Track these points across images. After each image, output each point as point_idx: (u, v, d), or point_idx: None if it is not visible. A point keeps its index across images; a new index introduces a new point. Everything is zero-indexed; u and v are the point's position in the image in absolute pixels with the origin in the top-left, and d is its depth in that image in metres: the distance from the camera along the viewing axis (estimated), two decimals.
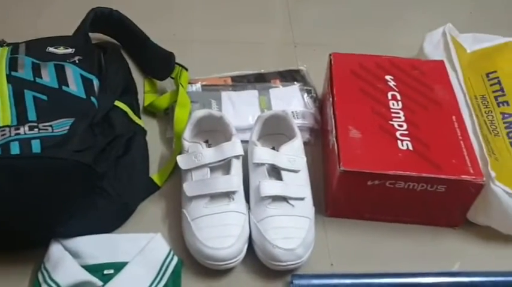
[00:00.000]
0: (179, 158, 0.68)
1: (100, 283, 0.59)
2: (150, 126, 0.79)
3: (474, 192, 0.66)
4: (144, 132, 0.76)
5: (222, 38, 0.99)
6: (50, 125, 0.60)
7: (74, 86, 0.66)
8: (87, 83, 0.67)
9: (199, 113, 0.72)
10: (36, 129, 0.59)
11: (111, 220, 0.66)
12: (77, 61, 0.70)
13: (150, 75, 0.88)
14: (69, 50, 0.74)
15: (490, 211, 0.68)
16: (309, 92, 0.86)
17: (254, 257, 0.65)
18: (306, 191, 0.68)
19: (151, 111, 0.83)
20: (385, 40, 1.01)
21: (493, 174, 0.66)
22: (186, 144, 0.69)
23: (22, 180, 0.55)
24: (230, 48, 0.96)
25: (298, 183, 0.67)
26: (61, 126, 0.61)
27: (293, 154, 0.69)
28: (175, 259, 0.63)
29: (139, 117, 0.78)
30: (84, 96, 0.66)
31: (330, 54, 0.81)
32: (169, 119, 0.80)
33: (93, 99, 0.66)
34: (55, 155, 0.56)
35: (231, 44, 0.97)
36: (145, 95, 0.85)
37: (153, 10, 1.03)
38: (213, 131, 0.74)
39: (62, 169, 0.57)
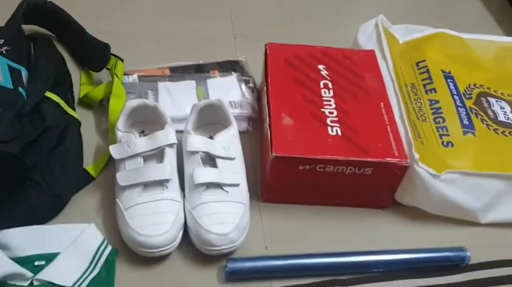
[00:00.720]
0: (112, 148, 0.68)
1: (30, 274, 0.58)
2: (86, 118, 0.79)
3: (399, 174, 0.69)
4: (78, 123, 0.75)
5: (161, 30, 0.99)
6: None
7: (1, 77, 0.65)
8: (14, 74, 0.66)
9: (133, 102, 0.72)
10: None
11: (44, 211, 0.65)
12: (4, 52, 0.69)
13: (86, 66, 0.87)
14: None
15: (416, 192, 0.71)
16: (247, 82, 0.87)
17: (189, 243, 0.65)
18: (241, 178, 0.69)
19: (87, 103, 0.82)
20: (323, 32, 1.03)
21: (416, 156, 0.69)
22: (119, 134, 0.69)
23: None
24: (169, 40, 0.96)
25: (233, 170, 0.68)
26: None
27: (228, 142, 0.70)
28: (109, 248, 0.63)
29: (74, 109, 0.77)
30: (11, 86, 0.64)
31: (266, 45, 0.83)
32: (104, 110, 0.80)
33: (20, 89, 0.65)
34: None
35: (170, 36, 0.97)
36: (81, 87, 0.84)
37: (88, 1, 1.01)
38: (149, 121, 0.74)
39: None
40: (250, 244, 0.67)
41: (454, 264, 0.68)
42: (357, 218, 0.73)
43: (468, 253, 0.67)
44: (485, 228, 0.73)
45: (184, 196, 0.67)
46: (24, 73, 0.67)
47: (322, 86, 0.77)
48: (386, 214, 0.74)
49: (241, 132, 0.74)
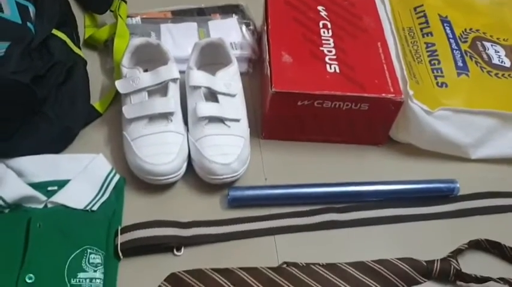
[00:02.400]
0: (118, 83, 0.70)
1: (44, 197, 0.62)
2: (91, 59, 0.81)
3: (394, 109, 0.72)
4: (84, 62, 0.77)
5: None
6: None
7: (9, 11, 0.67)
8: (22, 9, 0.68)
9: (137, 40, 0.74)
10: None
11: (54, 143, 0.68)
12: None
13: (90, 9, 0.88)
14: None
15: (409, 128, 0.74)
16: (247, 24, 0.89)
17: (193, 175, 0.69)
18: (242, 114, 0.72)
19: (91, 44, 0.84)
20: None
21: (411, 92, 0.72)
22: (124, 70, 0.72)
23: None
24: None
25: (234, 106, 0.71)
26: None
27: (229, 79, 0.72)
28: (117, 177, 0.67)
29: (80, 49, 0.79)
30: (19, 21, 0.66)
31: None
32: (109, 50, 0.82)
33: (29, 24, 0.67)
34: None
35: None
36: (85, 29, 0.86)
37: None
38: (152, 60, 0.76)
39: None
40: (250, 176, 0.70)
41: (444, 195, 0.71)
42: (353, 153, 0.76)
43: (458, 185, 0.71)
44: (475, 163, 0.76)
45: (187, 130, 0.70)
46: (31, 9, 0.69)
47: (321, 26, 0.79)
48: (381, 150, 0.77)
49: (241, 74, 0.76)
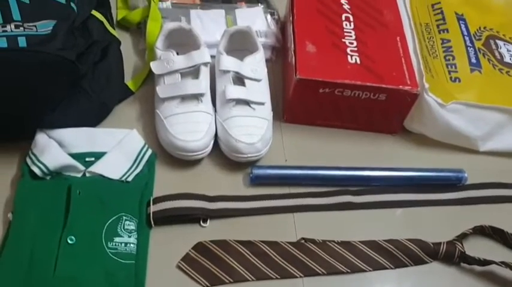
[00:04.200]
0: (153, 64, 0.75)
1: (82, 167, 0.67)
2: (124, 39, 0.85)
3: (410, 101, 0.76)
4: (118, 42, 0.81)
5: None
6: (34, 25, 0.66)
7: None
8: None
9: (170, 25, 0.78)
10: (21, 28, 0.65)
11: (91, 116, 0.73)
12: None
13: None
14: None
15: (423, 119, 0.78)
16: (272, 14, 0.93)
17: (219, 153, 0.74)
18: (266, 98, 0.76)
19: (124, 25, 0.89)
20: None
21: (426, 85, 0.76)
22: (159, 52, 0.76)
23: (11, 70, 0.62)
24: None
25: (259, 90, 0.76)
26: (44, 26, 0.66)
27: (255, 65, 0.77)
28: (150, 151, 0.72)
29: (114, 29, 0.83)
30: (63, 1, 0.70)
31: None
32: (141, 32, 0.86)
33: (72, 5, 0.71)
34: (41, 49, 0.63)
35: None
36: (118, 11, 0.90)
37: None
38: (183, 44, 0.80)
39: (47, 62, 0.63)
40: (272, 157, 0.75)
41: (452, 183, 0.76)
42: (369, 140, 0.80)
43: (465, 174, 0.76)
44: (483, 155, 0.81)
45: (215, 110, 0.75)
46: None
47: (343, 18, 0.83)
48: (396, 138, 0.81)
49: (265, 60, 0.81)
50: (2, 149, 0.70)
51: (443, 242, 0.68)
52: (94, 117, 0.74)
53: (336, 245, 0.67)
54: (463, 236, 0.69)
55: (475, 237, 0.71)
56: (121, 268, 0.61)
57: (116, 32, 0.82)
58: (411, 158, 0.79)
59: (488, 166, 0.80)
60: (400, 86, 0.75)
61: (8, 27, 0.64)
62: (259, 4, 0.94)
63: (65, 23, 0.68)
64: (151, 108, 0.76)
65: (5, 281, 0.58)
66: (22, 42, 0.63)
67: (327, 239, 0.67)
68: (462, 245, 0.68)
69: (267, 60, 0.83)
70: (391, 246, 0.67)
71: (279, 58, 0.89)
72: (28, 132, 0.69)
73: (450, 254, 0.67)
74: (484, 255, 0.67)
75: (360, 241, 0.67)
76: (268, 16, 0.92)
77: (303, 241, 0.67)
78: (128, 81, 0.80)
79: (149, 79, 0.80)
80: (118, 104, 0.78)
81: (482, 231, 0.71)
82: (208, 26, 0.88)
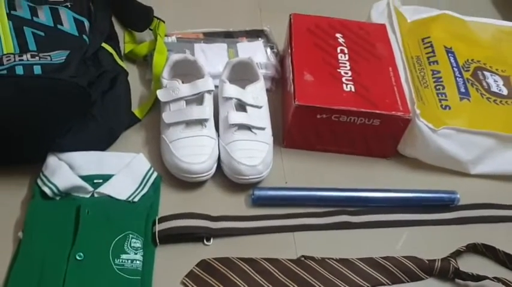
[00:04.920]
0: (159, 92, 0.79)
1: (91, 188, 0.70)
2: (131, 71, 0.89)
3: (403, 126, 0.80)
4: (126, 73, 0.86)
5: (195, 1, 1.10)
6: (49, 55, 0.70)
7: (68, 25, 0.76)
8: (79, 24, 0.77)
9: (176, 56, 0.83)
10: (37, 58, 0.69)
11: (100, 141, 0.77)
12: (69, 6, 0.80)
13: (130, 27, 0.98)
14: None
15: (416, 144, 0.82)
16: (271, 47, 0.98)
17: (222, 175, 0.77)
18: (266, 123, 0.80)
19: (131, 58, 0.94)
20: (339, 8, 1.12)
21: (418, 111, 0.80)
22: (165, 81, 0.81)
23: (26, 95, 0.66)
24: (202, 11, 1.08)
25: (260, 116, 0.80)
26: (58, 56, 0.71)
27: (256, 93, 0.81)
28: (155, 174, 0.75)
29: (122, 61, 0.88)
30: (77, 34, 0.76)
31: (290, 15, 0.94)
32: (147, 64, 0.91)
33: (84, 37, 0.76)
34: (55, 76, 0.67)
35: (203, 6, 1.08)
36: (125, 45, 0.96)
37: None
38: (188, 74, 0.85)
39: (61, 88, 0.67)
40: (272, 179, 0.78)
41: (445, 204, 0.79)
42: (365, 164, 0.84)
43: (458, 196, 0.79)
44: (474, 178, 0.85)
45: (218, 135, 0.79)
46: (86, 24, 0.78)
47: (339, 51, 0.88)
48: (390, 162, 0.85)
49: (265, 90, 0.85)
50: (13, 172, 0.73)
51: (438, 259, 0.70)
52: (103, 142, 0.77)
53: (334, 262, 0.69)
54: (457, 254, 0.72)
55: (469, 254, 0.74)
56: (127, 284, 0.63)
57: (124, 64, 0.87)
58: (405, 180, 0.83)
59: (479, 187, 0.83)
60: (393, 112, 0.79)
61: (24, 57, 0.69)
62: (260, 39, 0.99)
63: (78, 53, 0.73)
64: (156, 134, 0.80)
65: None
66: (37, 70, 0.68)
67: (325, 257, 0.70)
68: (456, 261, 0.71)
69: (267, 91, 0.87)
70: (388, 263, 0.70)
71: (278, 89, 0.93)
72: (39, 156, 0.73)
73: (445, 271, 0.70)
74: (477, 271, 0.69)
75: (357, 258, 0.70)
76: (268, 49, 0.97)
77: (302, 259, 0.70)
78: (135, 110, 0.84)
79: (154, 108, 0.85)
80: (125, 130, 0.82)
81: (475, 248, 0.74)
82: (212, 58, 0.93)
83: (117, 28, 0.97)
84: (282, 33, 0.96)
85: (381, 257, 0.70)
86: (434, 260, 0.70)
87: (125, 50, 0.94)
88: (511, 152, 0.84)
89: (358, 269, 0.69)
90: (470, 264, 0.72)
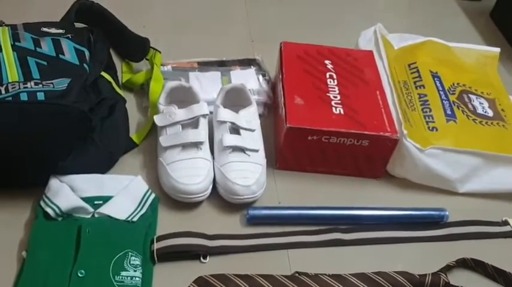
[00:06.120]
0: (156, 117, 0.83)
1: (92, 209, 0.73)
2: (128, 98, 0.93)
3: (391, 146, 0.83)
4: (124, 100, 0.89)
5: (189, 33, 1.15)
6: (52, 83, 0.74)
7: (69, 55, 0.80)
8: (80, 53, 0.81)
9: (172, 83, 0.87)
10: (40, 85, 0.73)
11: (99, 165, 0.80)
12: (70, 37, 0.84)
13: (127, 58, 1.02)
14: (60, 31, 0.87)
15: (404, 163, 0.85)
16: (263, 75, 1.02)
17: (217, 196, 0.80)
18: (260, 146, 0.83)
19: (128, 87, 0.97)
20: (328, 37, 1.17)
21: (405, 132, 0.84)
22: (161, 107, 0.84)
23: (30, 120, 0.69)
24: (196, 42, 1.12)
25: (253, 139, 0.83)
26: (61, 84, 0.74)
27: (249, 117, 0.85)
28: (153, 195, 0.77)
29: (120, 89, 0.92)
30: (78, 63, 0.79)
31: (281, 43, 0.99)
32: (144, 92, 0.95)
33: (85, 65, 0.80)
34: (57, 102, 0.71)
35: (198, 38, 1.13)
36: (123, 75, 1.00)
37: (126, 4, 1.17)
38: (183, 101, 0.88)
39: (63, 113, 0.71)
40: (266, 199, 0.81)
41: (435, 221, 0.82)
42: (354, 185, 0.87)
43: (447, 213, 0.81)
44: (462, 196, 0.87)
45: (213, 157, 0.82)
46: (86, 53, 0.82)
47: (328, 76, 0.93)
48: (380, 182, 0.88)
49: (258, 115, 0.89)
50: (16, 195, 0.76)
51: (429, 274, 0.72)
52: (102, 165, 0.80)
53: (327, 277, 0.71)
54: (447, 268, 0.74)
55: (458, 269, 0.76)
56: None
57: (122, 92, 0.91)
58: (395, 199, 0.85)
59: (468, 205, 0.86)
60: (381, 133, 0.82)
61: (28, 84, 0.73)
62: (252, 67, 1.04)
63: (79, 80, 0.76)
64: (153, 158, 0.83)
65: None
66: (41, 96, 0.71)
67: (319, 273, 0.72)
68: (446, 276, 0.73)
69: (259, 116, 0.91)
70: (380, 278, 0.71)
71: (270, 114, 0.97)
72: (43, 179, 0.75)
73: (435, 285, 0.71)
74: (467, 285, 0.72)
75: (350, 274, 0.72)
76: (260, 77, 1.01)
77: (296, 274, 0.71)
78: (133, 135, 0.88)
79: (151, 134, 0.88)
80: (124, 154, 0.85)
81: (464, 263, 0.76)
82: (206, 85, 0.96)
83: (115, 59, 1.01)
84: (273, 62, 1.01)
85: (372, 273, 0.72)
86: (425, 274, 0.72)
87: (123, 80, 0.98)
88: (497, 170, 0.87)
89: (350, 284, 0.71)
90: (460, 278, 0.74)
